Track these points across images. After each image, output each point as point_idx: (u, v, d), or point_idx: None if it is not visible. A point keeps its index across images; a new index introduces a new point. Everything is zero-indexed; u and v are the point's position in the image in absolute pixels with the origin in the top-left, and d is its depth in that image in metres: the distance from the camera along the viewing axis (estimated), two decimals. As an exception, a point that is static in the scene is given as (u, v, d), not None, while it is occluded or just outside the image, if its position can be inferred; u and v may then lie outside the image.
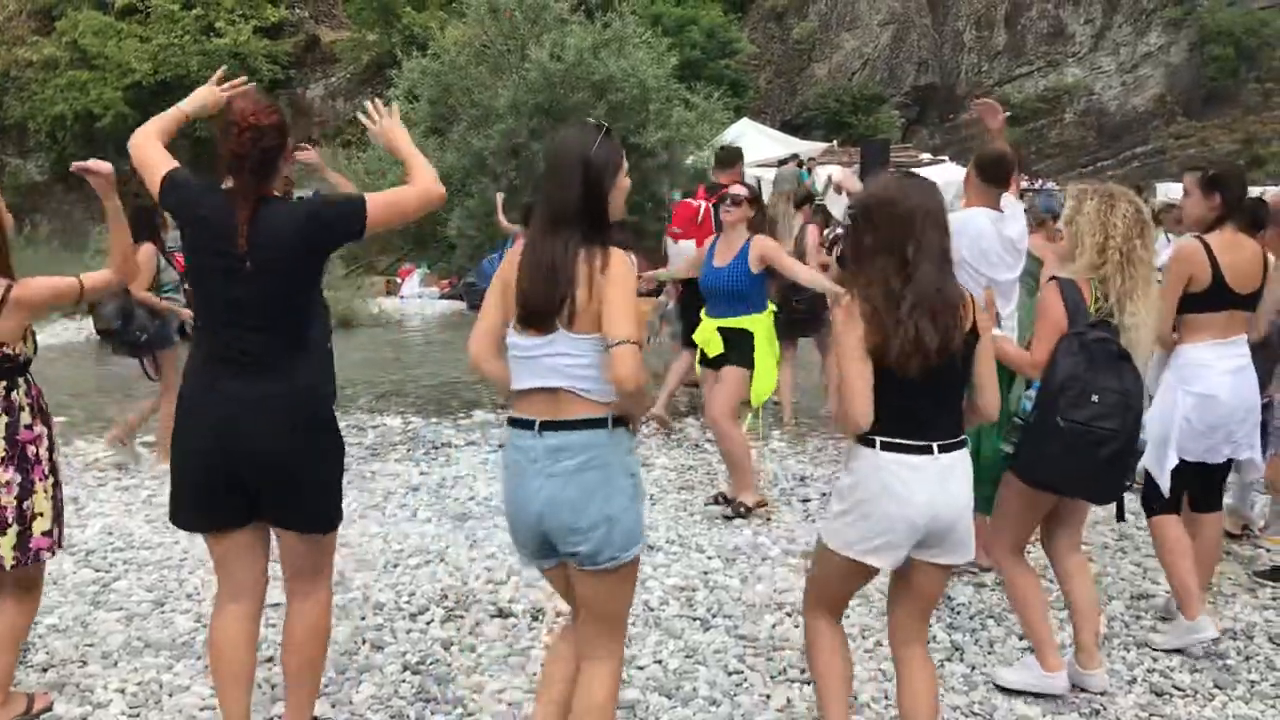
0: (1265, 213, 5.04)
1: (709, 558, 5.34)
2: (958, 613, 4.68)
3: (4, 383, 3.46)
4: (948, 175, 24.03)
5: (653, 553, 5.36)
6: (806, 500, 6.35)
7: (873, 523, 2.98)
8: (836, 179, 6.48)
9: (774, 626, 4.52)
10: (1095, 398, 3.52)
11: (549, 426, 2.81)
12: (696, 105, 17.80)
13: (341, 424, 8.53)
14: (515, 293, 2.84)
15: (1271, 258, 4.57)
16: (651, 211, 15.84)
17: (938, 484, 2.97)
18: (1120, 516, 4.14)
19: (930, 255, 2.96)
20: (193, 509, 3.19)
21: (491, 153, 16.24)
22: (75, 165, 3.47)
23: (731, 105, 32.20)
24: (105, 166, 3.47)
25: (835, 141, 24.72)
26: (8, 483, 3.43)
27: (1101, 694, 3.92)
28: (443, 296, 17.79)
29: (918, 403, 2.96)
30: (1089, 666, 3.91)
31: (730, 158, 8.34)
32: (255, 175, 3.02)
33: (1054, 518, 3.93)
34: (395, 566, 5.21)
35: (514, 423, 2.91)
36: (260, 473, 3.06)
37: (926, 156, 26.50)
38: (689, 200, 9.02)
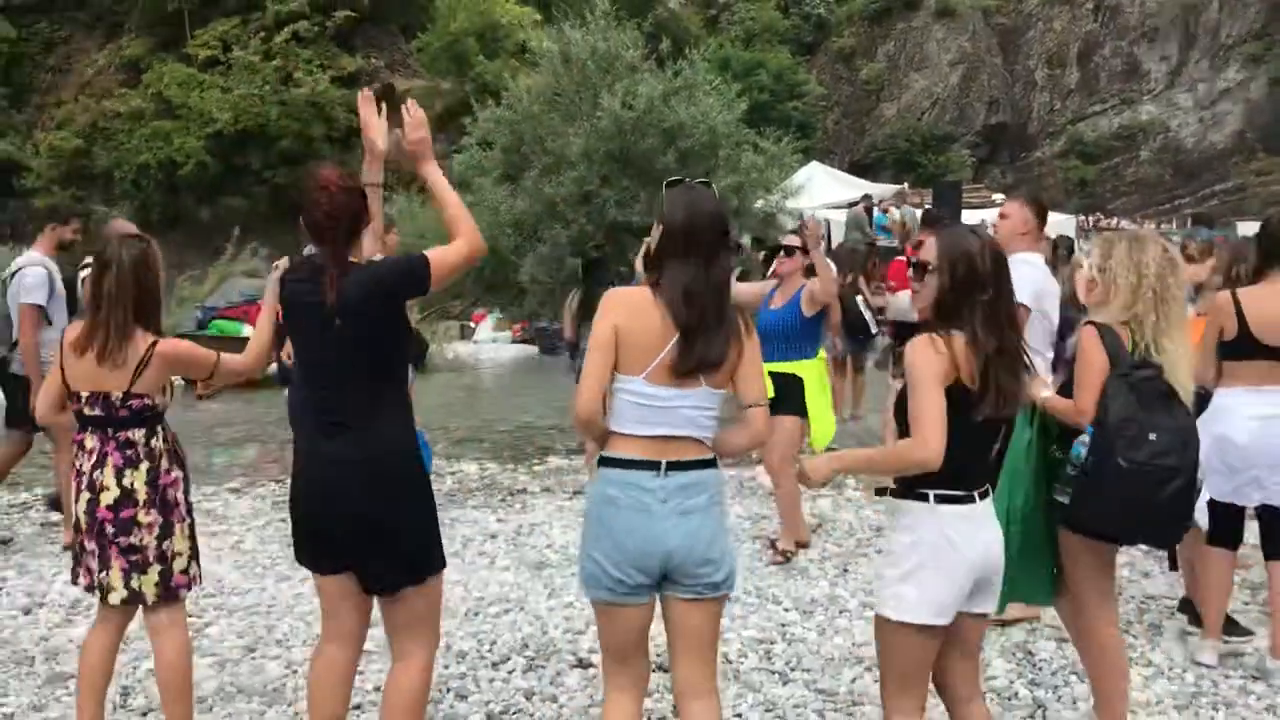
0: None
1: (785, 609, 5.36)
2: (1040, 669, 4.63)
3: (145, 430, 3.65)
4: (1020, 216, 23.90)
5: (730, 604, 5.38)
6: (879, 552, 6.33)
7: (941, 578, 2.97)
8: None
9: (853, 681, 4.51)
10: (1153, 435, 3.46)
11: (675, 467, 2.96)
12: (766, 150, 17.90)
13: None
14: (660, 345, 2.92)
15: None
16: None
17: (989, 531, 3.03)
18: (1173, 566, 4.13)
19: (1005, 305, 3.01)
20: (304, 552, 3.36)
21: (563, 199, 16.47)
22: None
23: (800, 147, 32.38)
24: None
25: (907, 184, 24.68)
26: (150, 524, 3.62)
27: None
28: (515, 341, 18.01)
29: (966, 452, 2.96)
30: None
31: (934, 219, 9.72)
32: (345, 237, 3.18)
33: None
34: (476, 615, 5.29)
35: (628, 464, 2.98)
36: (345, 528, 3.19)
37: (999, 196, 26.29)
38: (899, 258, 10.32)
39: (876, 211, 19.80)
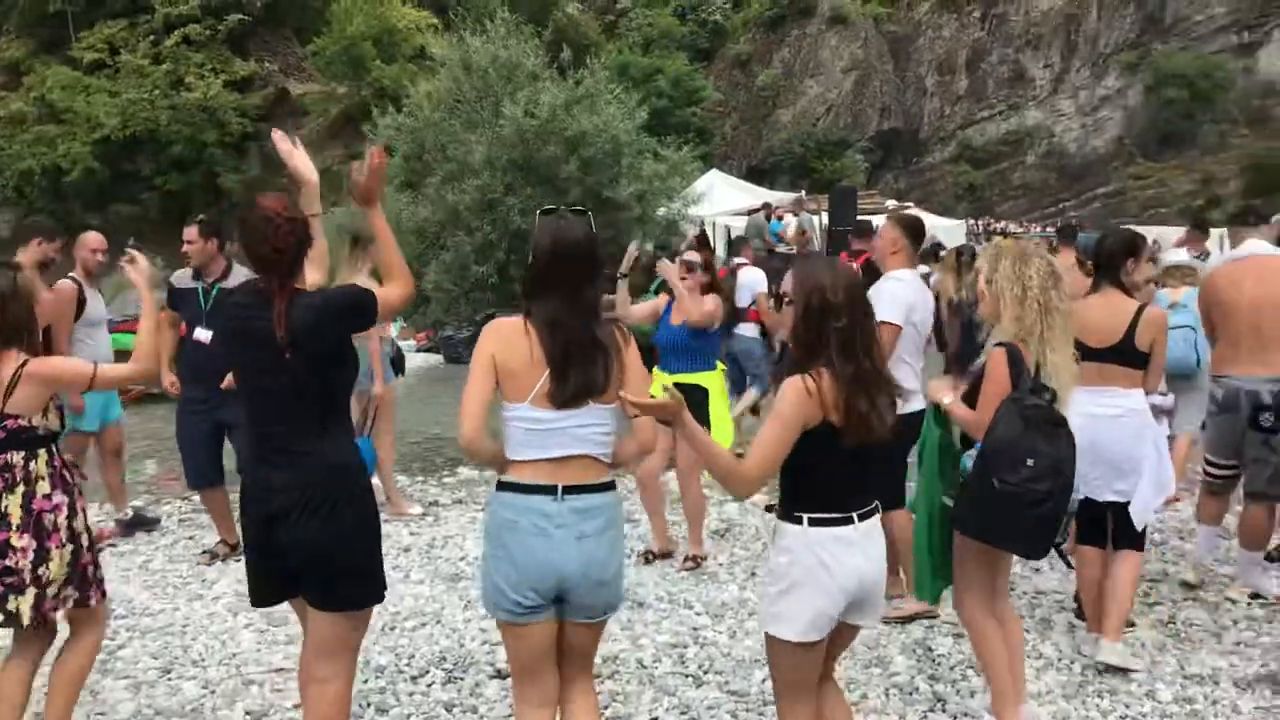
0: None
1: (697, 614, 5.52)
2: (938, 664, 4.86)
3: (23, 453, 3.63)
4: (914, 221, 24.53)
5: (643, 610, 5.54)
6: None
7: (814, 598, 3.09)
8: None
9: (763, 681, 4.67)
10: (1030, 461, 3.72)
11: (571, 490, 3.03)
12: (667, 158, 18.12)
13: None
14: (532, 374, 3.00)
15: (1153, 311, 4.84)
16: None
17: (866, 553, 3.15)
18: (1068, 565, 4.59)
19: (865, 334, 3.14)
20: (253, 593, 3.47)
21: (466, 207, 16.48)
22: (126, 259, 3.64)
23: (699, 153, 32.74)
24: (143, 262, 3.63)
25: (804, 191, 25.16)
26: (24, 548, 3.60)
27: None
28: (420, 350, 17.93)
29: (842, 476, 3.13)
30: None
31: (864, 230, 9.91)
32: (291, 268, 3.24)
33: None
34: (393, 629, 5.35)
35: (524, 489, 3.04)
36: (311, 552, 3.26)
37: (892, 203, 27.00)
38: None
39: (772, 219, 20.16)
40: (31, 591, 3.61)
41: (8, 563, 3.57)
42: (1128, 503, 4.71)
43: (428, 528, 7.21)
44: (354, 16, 35.46)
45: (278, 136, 3.57)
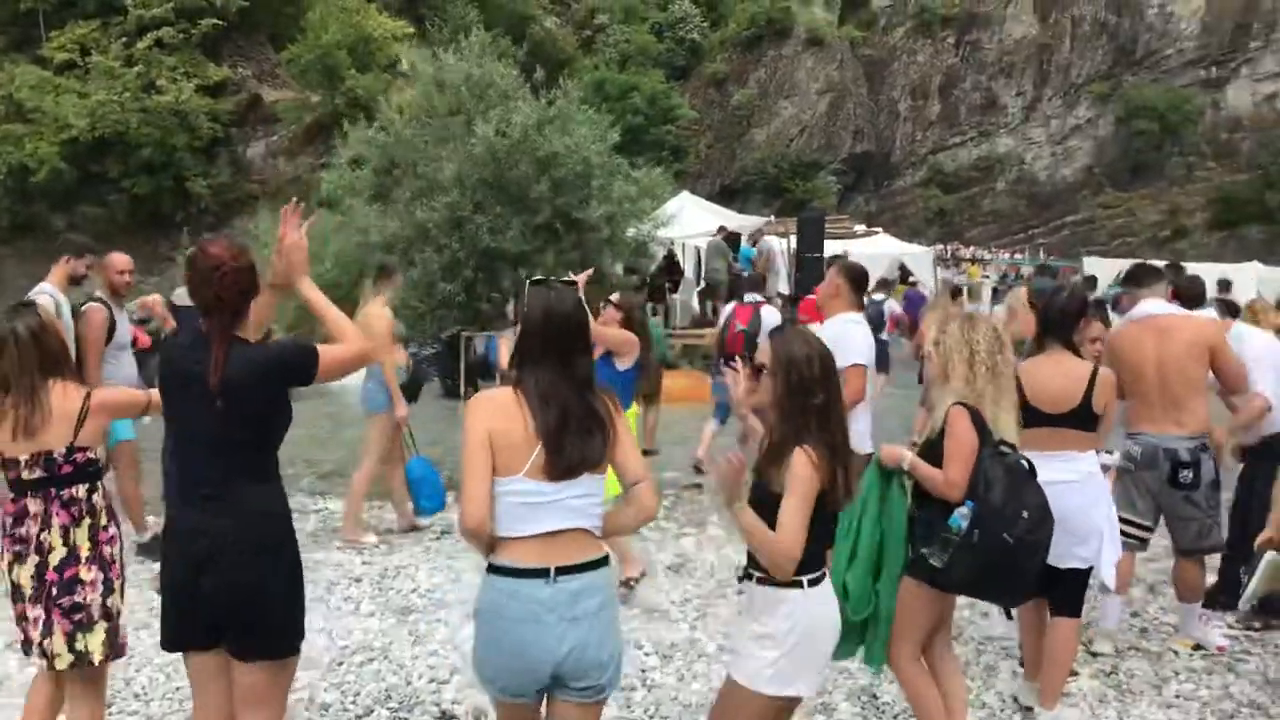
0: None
1: (646, 654, 5.53)
2: (882, 712, 4.89)
3: (86, 486, 3.68)
4: (881, 248, 24.74)
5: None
6: (742, 593, 6.53)
7: (817, 653, 3.27)
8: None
9: (708, 728, 4.69)
10: (1025, 514, 3.90)
11: (564, 572, 2.94)
12: (638, 179, 18.17)
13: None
14: (531, 446, 2.94)
15: (1106, 372, 4.83)
16: (594, 286, 16.12)
17: (834, 605, 3.35)
18: (1009, 615, 4.72)
19: (839, 408, 3.29)
20: (171, 629, 3.33)
21: (435, 225, 16.43)
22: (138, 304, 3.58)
23: (673, 171, 32.84)
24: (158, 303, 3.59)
25: (772, 215, 25.30)
26: (92, 581, 3.63)
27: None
28: (384, 365, 17.85)
29: (822, 540, 3.27)
30: None
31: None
32: (233, 316, 3.23)
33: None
34: (340, 665, 5.32)
35: (515, 572, 2.95)
36: (230, 600, 3.21)
37: (861, 228, 27.21)
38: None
39: (744, 244, 20.27)
40: (101, 626, 3.64)
41: (77, 598, 3.59)
42: (1084, 569, 4.73)
43: (380, 556, 7.18)
44: (329, 24, 35.31)
45: (289, 212, 3.45)
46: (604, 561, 3.05)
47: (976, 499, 3.91)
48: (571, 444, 2.96)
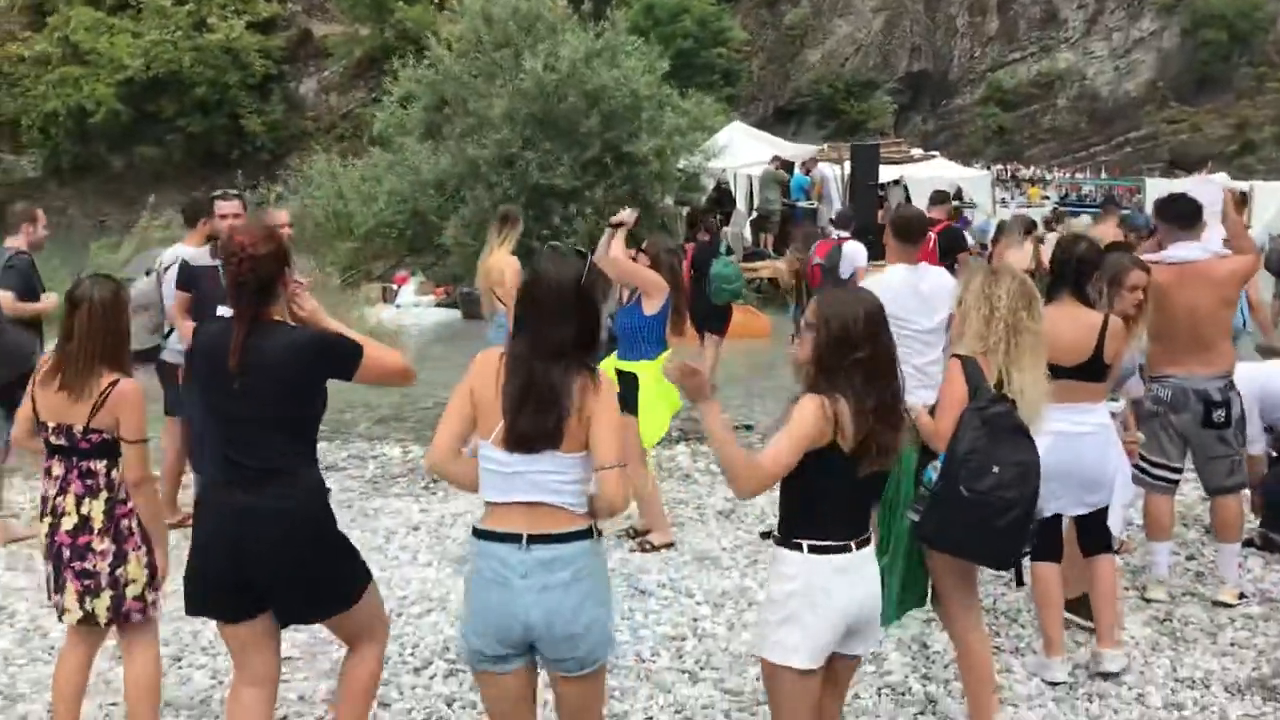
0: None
1: (698, 603, 5.60)
2: (933, 662, 4.93)
3: (106, 461, 3.82)
4: (937, 171, 24.32)
5: (645, 598, 5.63)
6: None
7: (814, 625, 3.14)
8: None
9: (757, 679, 4.73)
10: (995, 469, 3.77)
11: (537, 540, 2.95)
12: (688, 111, 18.00)
13: (341, 454, 8.59)
14: (500, 413, 2.96)
15: (1116, 322, 4.74)
16: (645, 222, 16.05)
17: (864, 580, 3.21)
18: (1020, 582, 4.53)
19: (886, 364, 3.18)
20: (202, 603, 3.47)
21: (486, 162, 16.43)
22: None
23: (724, 95, 32.39)
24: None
25: (825, 145, 24.93)
26: (103, 551, 3.80)
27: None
28: (438, 304, 17.99)
29: (843, 503, 3.18)
30: None
31: (941, 199, 11.10)
32: (253, 300, 3.29)
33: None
34: (399, 616, 5.44)
35: (490, 536, 3.01)
36: (265, 578, 3.34)
37: (917, 152, 26.72)
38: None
39: (798, 172, 20.01)
40: (108, 594, 3.80)
41: (87, 565, 3.78)
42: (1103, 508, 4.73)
43: (437, 504, 7.30)
44: (376, -44, 35.14)
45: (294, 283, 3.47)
46: (584, 535, 3.01)
47: (947, 451, 3.86)
48: (526, 417, 2.93)
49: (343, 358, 3.35)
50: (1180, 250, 5.44)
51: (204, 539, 3.40)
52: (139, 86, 34.31)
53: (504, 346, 3.12)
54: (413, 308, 17.51)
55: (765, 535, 3.39)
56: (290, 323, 3.38)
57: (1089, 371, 4.64)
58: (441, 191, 17.42)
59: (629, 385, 6.21)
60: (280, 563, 3.30)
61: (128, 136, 35.07)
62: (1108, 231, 11.62)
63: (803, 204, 19.15)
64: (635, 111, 16.61)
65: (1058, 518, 4.68)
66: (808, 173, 20.15)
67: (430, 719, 4.47)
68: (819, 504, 3.15)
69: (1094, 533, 4.80)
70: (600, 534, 3.12)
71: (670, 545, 6.40)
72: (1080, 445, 4.54)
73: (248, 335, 3.24)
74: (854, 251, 9.91)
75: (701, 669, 4.89)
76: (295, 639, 5.14)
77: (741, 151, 20.03)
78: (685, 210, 18.19)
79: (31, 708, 4.51)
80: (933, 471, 3.90)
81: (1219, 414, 5.33)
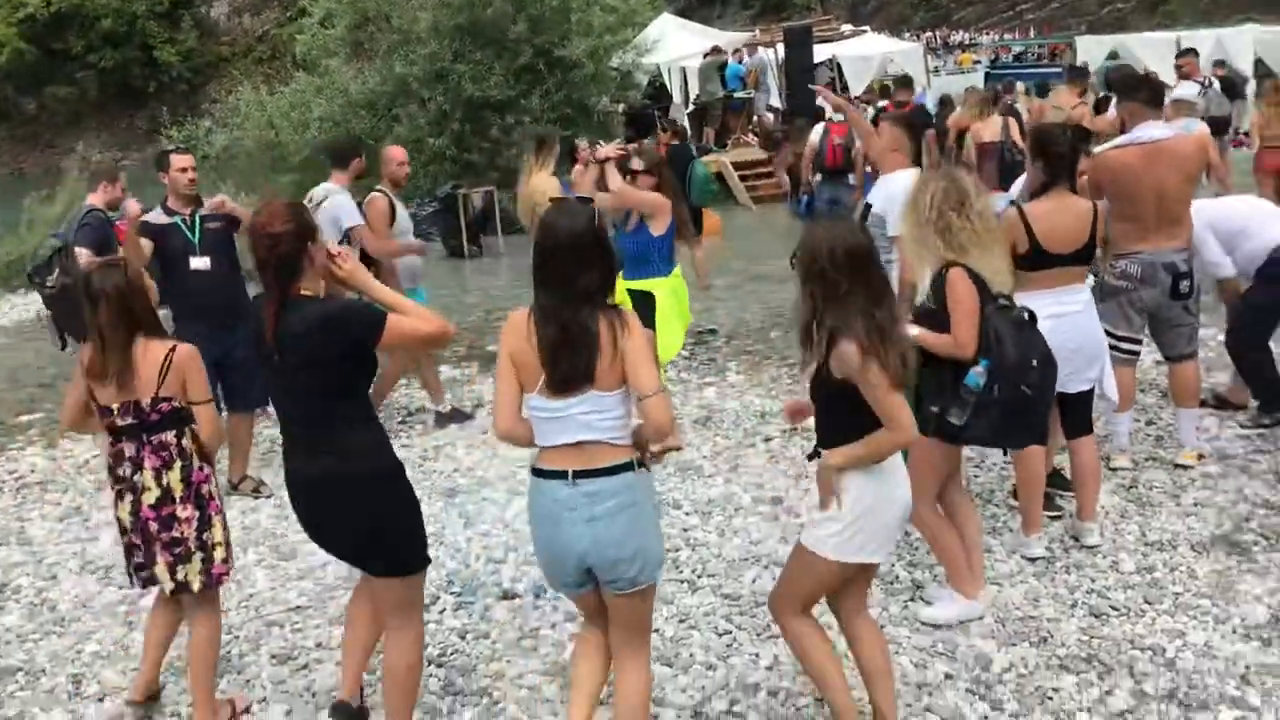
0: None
1: (686, 514, 5.79)
2: (916, 549, 5.16)
3: (174, 431, 3.94)
4: (869, 47, 24.22)
5: (635, 514, 5.79)
6: (769, 439, 6.79)
7: (882, 525, 3.44)
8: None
9: (753, 582, 4.97)
10: (1034, 363, 4.10)
11: (582, 475, 3.20)
12: (616, 7, 17.72)
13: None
14: (539, 363, 3.18)
15: (1102, 208, 4.99)
16: (584, 125, 15.94)
17: (905, 482, 3.51)
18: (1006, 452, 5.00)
19: (874, 290, 3.34)
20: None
21: (416, 78, 16.16)
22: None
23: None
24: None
25: (758, 29, 24.65)
26: (188, 518, 3.96)
27: (1049, 620, 4.47)
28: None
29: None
30: None
31: (905, 82, 12.02)
32: (278, 277, 3.42)
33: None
34: (399, 554, 5.58)
35: (542, 474, 3.28)
36: (342, 535, 3.63)
37: (848, 28, 26.55)
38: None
39: (731, 60, 19.81)
40: (198, 557, 3.97)
41: (174, 534, 3.94)
42: (1082, 391, 4.96)
43: (417, 438, 7.39)
44: None
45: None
46: (626, 468, 3.23)
47: (990, 356, 4.07)
48: (565, 360, 3.14)
49: (364, 326, 3.44)
50: (1148, 130, 5.60)
51: (293, 504, 3.71)
52: (41, 24, 33.06)
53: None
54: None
55: (811, 456, 3.59)
56: (319, 295, 3.51)
57: (1082, 257, 4.89)
58: (374, 112, 17.14)
59: (645, 304, 6.33)
60: (342, 526, 3.57)
61: (37, 77, 33.90)
62: (1068, 101, 11.95)
63: (739, 94, 19.04)
64: (563, 13, 16.35)
65: (1089, 392, 5.00)
66: (741, 61, 19.98)
67: (446, 653, 4.63)
68: (865, 419, 3.34)
69: (1078, 415, 5.06)
70: (645, 465, 3.32)
71: (678, 448, 6.60)
72: (1080, 321, 4.86)
73: (278, 311, 3.40)
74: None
75: (699, 578, 5.09)
76: (302, 587, 5.29)
77: (674, 44, 19.80)
78: (622, 108, 18.11)
79: (56, 680, 4.61)
80: (978, 378, 4.08)
81: (1184, 284, 5.56)
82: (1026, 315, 4.16)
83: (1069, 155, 4.92)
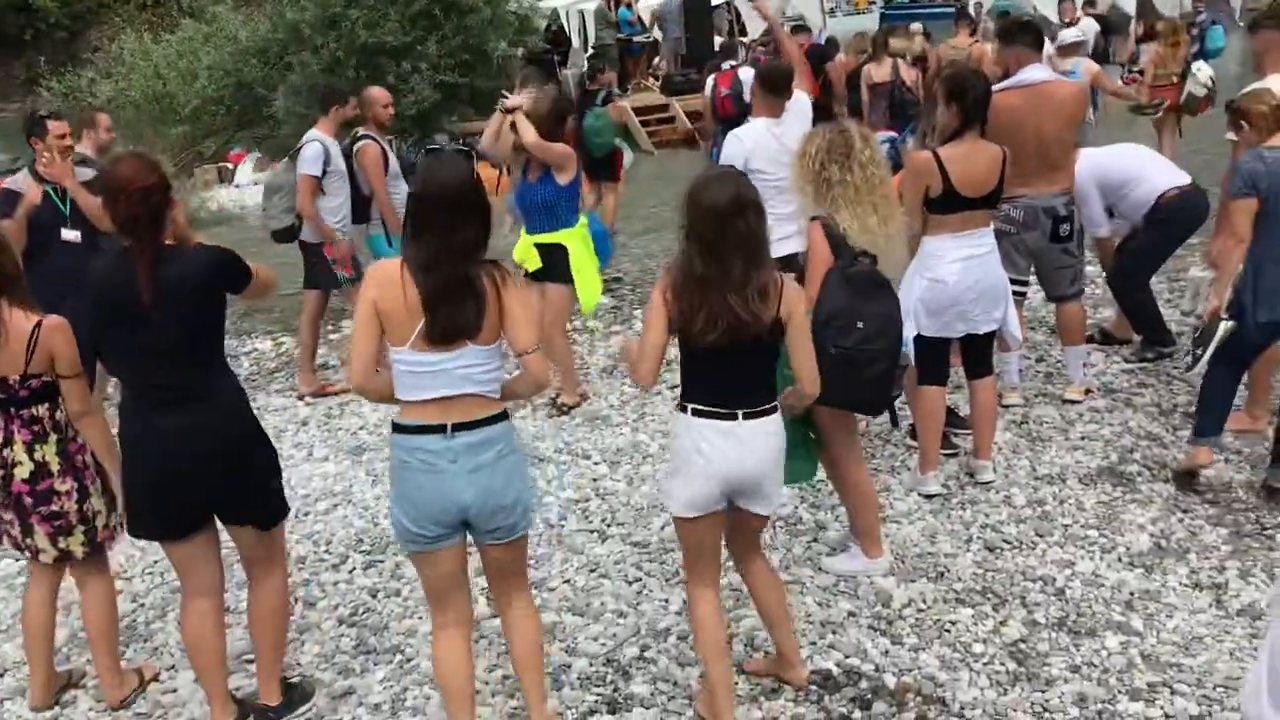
0: None
1: (596, 463, 5.85)
2: (818, 490, 5.29)
3: (48, 405, 3.82)
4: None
5: (544, 465, 5.84)
6: (675, 387, 6.83)
7: (691, 481, 3.41)
8: None
9: (662, 529, 5.06)
10: (860, 324, 4.00)
11: (461, 428, 3.17)
12: (512, -51, 17.37)
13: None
14: (410, 319, 3.10)
15: (1008, 152, 5.04)
16: (482, 71, 15.69)
17: (746, 447, 3.39)
18: (895, 424, 5.11)
19: (724, 240, 3.26)
20: (147, 525, 3.65)
21: (308, 24, 15.70)
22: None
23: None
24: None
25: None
26: (68, 491, 3.86)
27: (946, 555, 4.64)
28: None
29: (721, 374, 3.37)
30: None
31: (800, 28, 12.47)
32: (152, 229, 3.36)
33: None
34: (307, 515, 5.56)
35: (415, 430, 3.19)
36: (207, 492, 3.54)
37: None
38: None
39: (621, 6, 19.59)
40: (80, 529, 3.90)
41: (54, 507, 3.84)
42: (985, 333, 5.08)
43: (321, 397, 7.32)
44: None
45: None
46: (502, 417, 3.26)
47: (814, 314, 4.01)
48: (445, 315, 3.10)
49: (240, 270, 3.52)
50: (1029, 73, 5.73)
51: (138, 464, 3.54)
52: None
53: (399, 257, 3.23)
54: (252, 186, 16.87)
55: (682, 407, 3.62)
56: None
57: (990, 201, 4.99)
58: (265, 60, 16.63)
59: (557, 256, 6.31)
60: (213, 477, 3.49)
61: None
62: (964, 41, 12.45)
63: (639, 38, 18.91)
64: (459, -44, 15.95)
65: (946, 345, 5.05)
66: (630, 5, 19.78)
67: (357, 611, 4.65)
68: (696, 374, 3.40)
69: (979, 356, 5.17)
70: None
71: (585, 398, 6.69)
72: (988, 263, 4.97)
73: (153, 266, 3.31)
74: (747, 76, 9.97)
75: (609, 526, 5.17)
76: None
77: (575, -15, 19.54)
78: (521, 53, 17.84)
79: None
80: None
81: (1064, 228, 5.75)
82: (875, 277, 4.07)
83: (982, 99, 4.96)
